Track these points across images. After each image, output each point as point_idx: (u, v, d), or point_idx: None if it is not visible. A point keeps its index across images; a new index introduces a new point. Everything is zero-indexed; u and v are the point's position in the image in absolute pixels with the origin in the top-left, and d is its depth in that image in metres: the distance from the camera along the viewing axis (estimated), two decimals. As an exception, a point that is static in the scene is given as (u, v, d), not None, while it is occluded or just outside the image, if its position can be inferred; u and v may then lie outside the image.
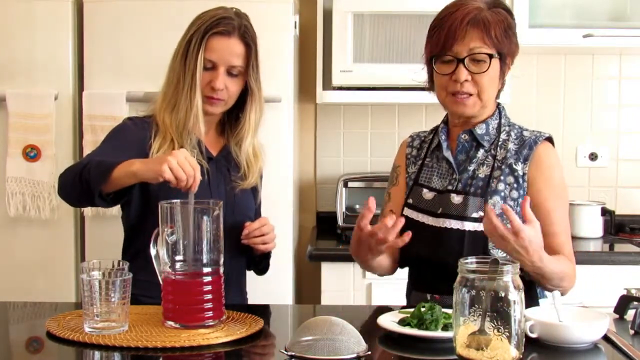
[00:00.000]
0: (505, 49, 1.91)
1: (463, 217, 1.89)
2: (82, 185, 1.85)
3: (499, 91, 1.99)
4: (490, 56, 1.87)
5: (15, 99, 2.77)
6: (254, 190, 2.20)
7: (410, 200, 2.02)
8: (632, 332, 1.71)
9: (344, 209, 3.15)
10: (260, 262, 2.20)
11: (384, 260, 1.99)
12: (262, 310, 1.90)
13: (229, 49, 2.03)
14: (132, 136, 2.05)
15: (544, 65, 3.46)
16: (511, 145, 1.94)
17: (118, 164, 1.82)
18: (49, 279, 2.81)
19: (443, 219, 1.92)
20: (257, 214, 2.21)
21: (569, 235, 1.95)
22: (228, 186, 2.11)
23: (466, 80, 1.88)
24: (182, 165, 1.74)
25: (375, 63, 3.05)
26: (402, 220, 1.75)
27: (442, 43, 1.88)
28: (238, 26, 2.04)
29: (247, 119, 2.11)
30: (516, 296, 1.40)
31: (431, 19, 1.95)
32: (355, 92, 3.10)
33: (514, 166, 1.92)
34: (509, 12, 1.95)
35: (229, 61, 2.03)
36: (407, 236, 1.75)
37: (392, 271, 2.07)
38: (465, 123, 1.98)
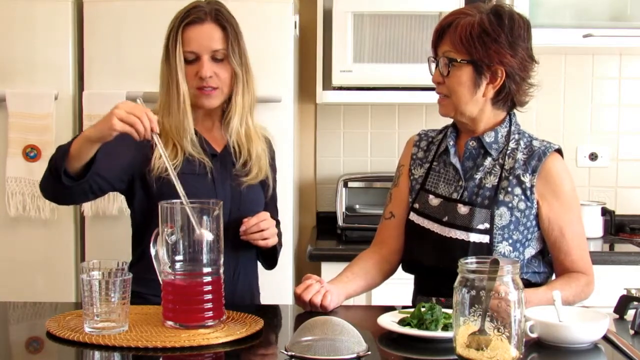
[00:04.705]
0: (478, 56, 1.86)
1: (468, 229, 1.89)
2: (52, 175, 1.89)
3: (500, 100, 1.93)
4: (450, 60, 1.87)
5: (15, 99, 2.77)
6: (263, 184, 2.16)
7: (416, 206, 2.01)
8: (632, 332, 1.71)
9: (344, 209, 3.15)
10: (268, 258, 2.17)
11: (359, 289, 2.00)
12: (262, 310, 1.90)
13: (206, 35, 2.02)
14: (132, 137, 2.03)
15: (544, 65, 3.41)
16: (520, 155, 1.92)
17: (74, 140, 1.85)
18: (49, 279, 2.81)
19: (448, 228, 1.92)
20: (267, 208, 2.15)
21: (585, 246, 1.94)
22: (234, 182, 2.08)
23: (439, 83, 1.92)
24: (131, 111, 1.74)
25: (375, 63, 3.05)
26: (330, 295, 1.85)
27: (432, 47, 1.95)
28: (209, 11, 2.03)
29: (234, 102, 2.07)
30: (516, 296, 1.40)
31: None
32: (355, 92, 3.10)
33: (522, 178, 1.90)
34: (501, 20, 1.88)
35: (208, 47, 2.02)
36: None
37: (382, 280, 2.08)
38: (466, 128, 1.97)
